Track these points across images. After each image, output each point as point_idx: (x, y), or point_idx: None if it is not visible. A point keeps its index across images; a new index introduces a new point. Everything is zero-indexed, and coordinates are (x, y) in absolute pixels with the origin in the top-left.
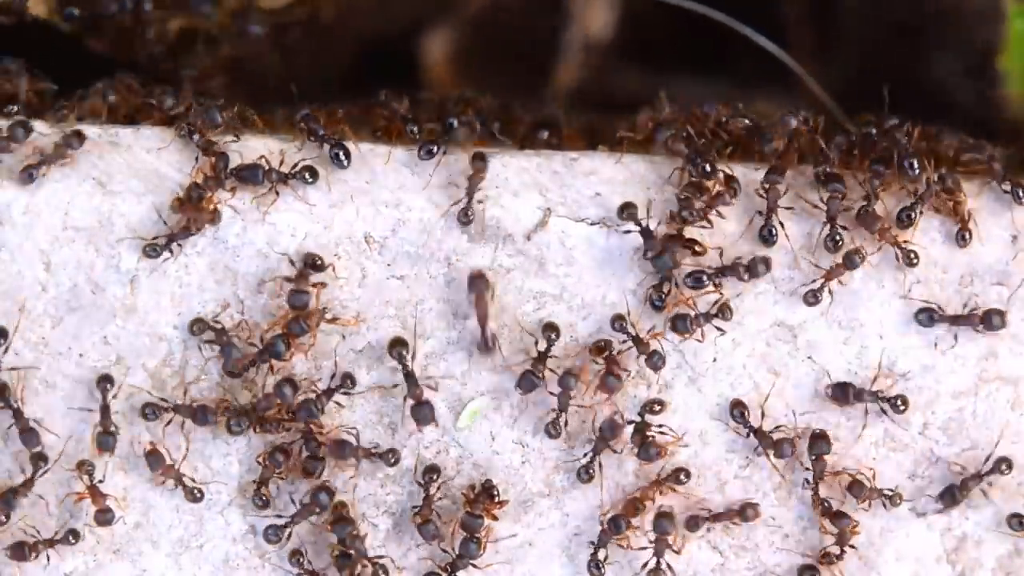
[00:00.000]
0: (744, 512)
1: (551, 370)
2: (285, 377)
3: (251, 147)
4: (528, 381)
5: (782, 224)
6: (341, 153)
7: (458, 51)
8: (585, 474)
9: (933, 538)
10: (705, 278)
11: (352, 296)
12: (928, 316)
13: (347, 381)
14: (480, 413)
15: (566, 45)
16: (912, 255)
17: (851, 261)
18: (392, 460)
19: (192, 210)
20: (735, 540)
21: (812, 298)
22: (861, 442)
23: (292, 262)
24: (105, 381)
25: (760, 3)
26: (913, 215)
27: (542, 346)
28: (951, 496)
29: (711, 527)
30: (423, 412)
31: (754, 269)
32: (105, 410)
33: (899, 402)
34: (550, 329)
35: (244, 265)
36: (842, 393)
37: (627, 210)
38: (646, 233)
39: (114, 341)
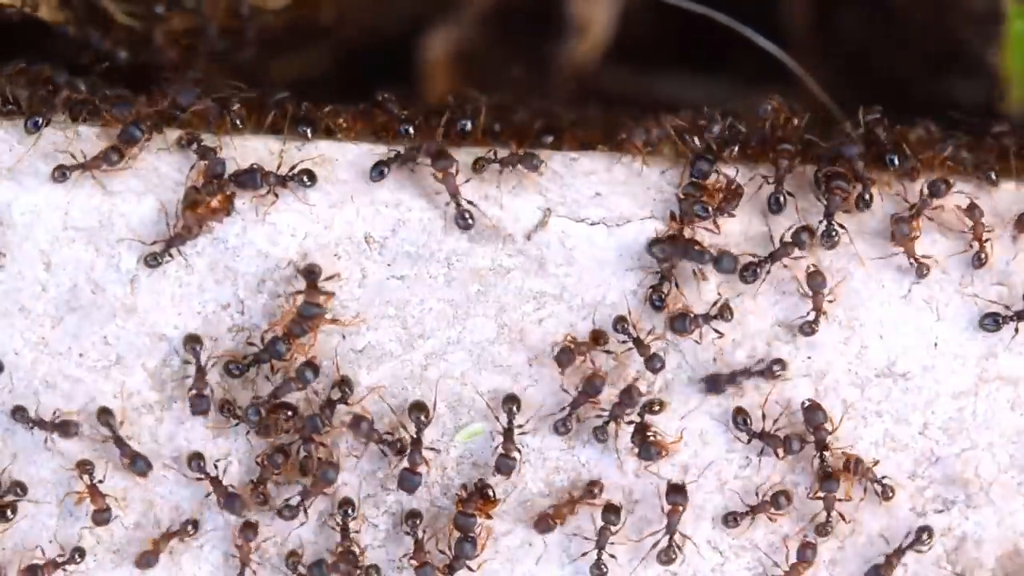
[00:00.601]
0: (777, 501)
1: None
2: (307, 361)
3: (250, 147)
4: (506, 464)
5: (791, 194)
6: (309, 130)
7: (458, 51)
8: (602, 434)
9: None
10: (759, 270)
11: (352, 296)
12: (994, 320)
13: (345, 388)
14: (480, 435)
15: (566, 45)
16: (925, 268)
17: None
18: (399, 448)
19: (193, 215)
20: (735, 540)
21: (809, 329)
22: (861, 442)
23: (298, 269)
24: (194, 342)
25: (760, 3)
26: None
27: (504, 421)
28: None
29: (754, 520)
30: (412, 481)
31: (798, 240)
32: (200, 371)
33: (775, 366)
34: (511, 401)
35: (244, 265)
36: (714, 385)
37: (658, 245)
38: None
39: (114, 341)
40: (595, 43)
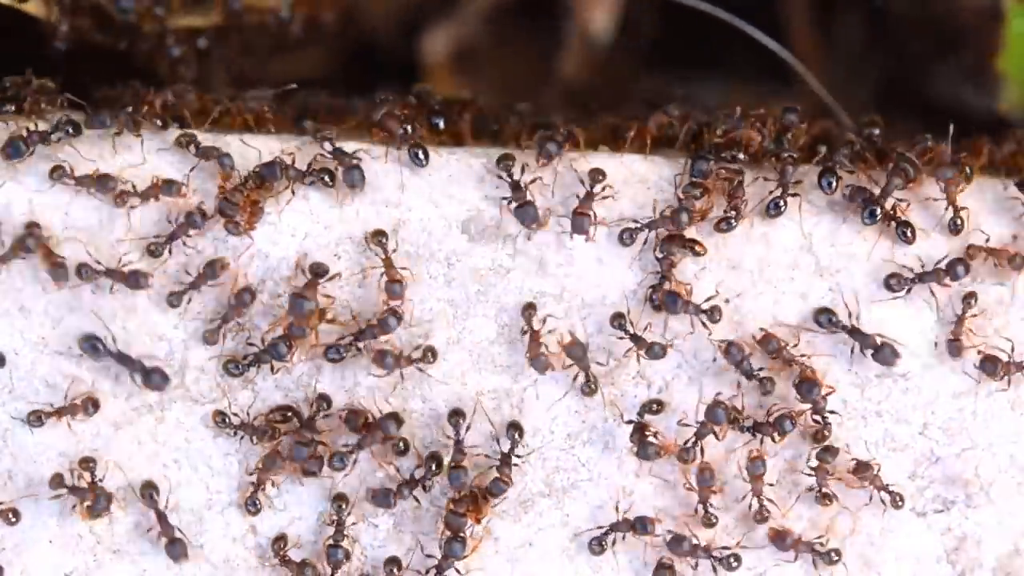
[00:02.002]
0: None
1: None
2: (392, 308)
3: (253, 147)
4: (499, 488)
5: (795, 194)
6: (306, 121)
7: (458, 51)
8: (587, 387)
9: (933, 538)
10: (898, 282)
11: (352, 296)
12: (899, 281)
13: (323, 404)
14: None
15: (567, 45)
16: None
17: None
18: (431, 358)
19: (231, 222)
20: (735, 540)
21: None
22: (861, 442)
23: (303, 271)
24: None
25: (760, 2)
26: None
27: (505, 446)
28: None
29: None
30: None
31: (953, 271)
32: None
33: (714, 313)
34: (513, 428)
35: (244, 265)
36: (672, 302)
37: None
38: None
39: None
40: (595, 42)
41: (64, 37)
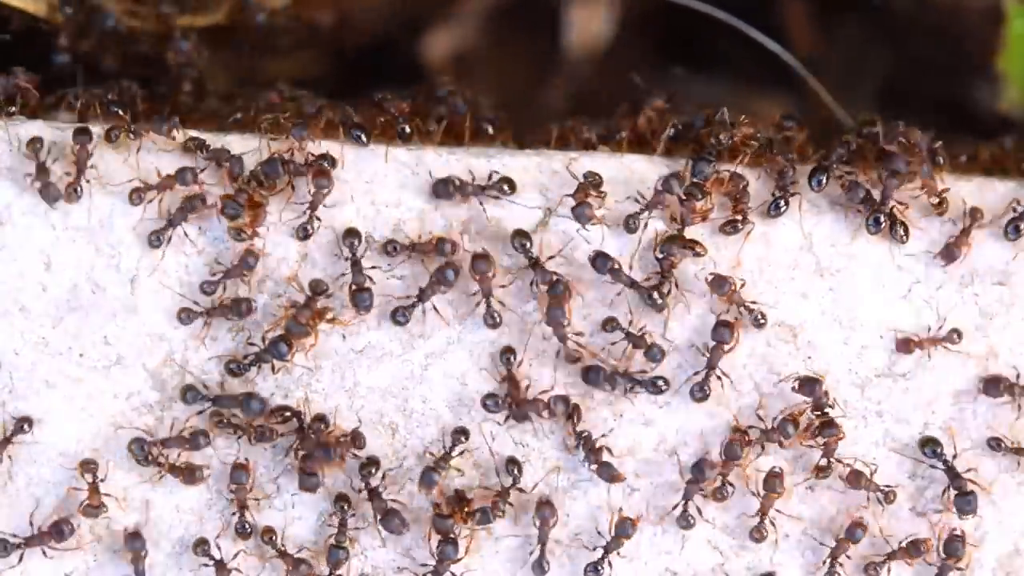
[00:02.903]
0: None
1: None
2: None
3: (250, 146)
4: (486, 518)
5: (794, 193)
6: (302, 128)
7: (458, 51)
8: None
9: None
10: (1015, 228)
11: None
12: None
13: (320, 424)
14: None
15: (566, 45)
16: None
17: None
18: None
19: (237, 227)
20: (735, 540)
21: (699, 392)
22: (861, 442)
23: (300, 287)
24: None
25: (760, 2)
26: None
27: (506, 483)
28: None
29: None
30: (363, 299)
31: None
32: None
33: (660, 382)
34: (512, 464)
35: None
36: (594, 377)
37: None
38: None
39: (114, 341)
40: (595, 42)
41: (64, 48)
